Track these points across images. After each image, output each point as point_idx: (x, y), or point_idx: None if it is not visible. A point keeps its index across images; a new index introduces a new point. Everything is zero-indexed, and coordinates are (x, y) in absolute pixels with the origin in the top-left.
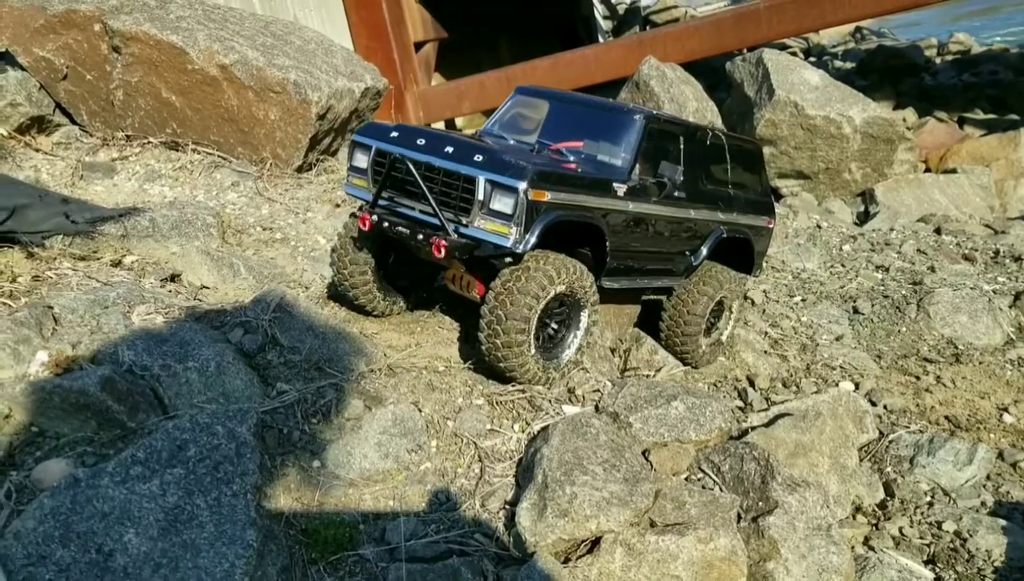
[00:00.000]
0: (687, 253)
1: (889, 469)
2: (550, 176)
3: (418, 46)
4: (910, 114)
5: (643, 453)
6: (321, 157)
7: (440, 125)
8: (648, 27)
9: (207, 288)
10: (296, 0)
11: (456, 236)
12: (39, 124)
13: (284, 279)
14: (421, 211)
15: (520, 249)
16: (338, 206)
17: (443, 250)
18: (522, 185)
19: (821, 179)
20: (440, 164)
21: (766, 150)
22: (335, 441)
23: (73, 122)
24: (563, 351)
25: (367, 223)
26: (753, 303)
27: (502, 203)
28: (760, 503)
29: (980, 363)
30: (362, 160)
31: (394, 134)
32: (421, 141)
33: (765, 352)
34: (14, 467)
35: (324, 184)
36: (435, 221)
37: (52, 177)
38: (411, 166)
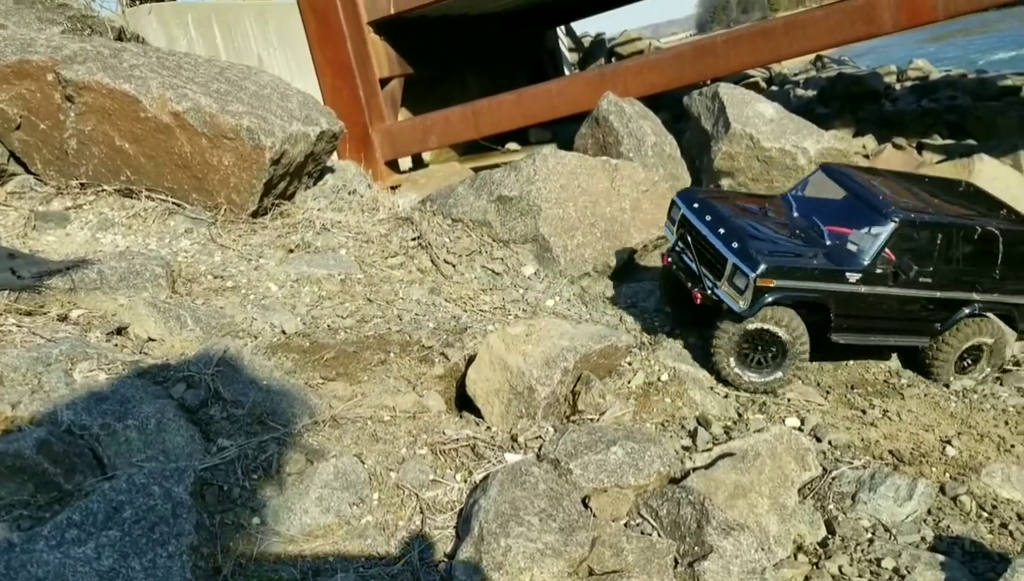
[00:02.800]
0: (934, 322)
1: (831, 506)
2: (779, 269)
3: (384, 82)
4: (870, 141)
5: (583, 500)
6: (276, 201)
7: (407, 160)
8: (613, 58)
9: (153, 340)
10: (260, 40)
11: (709, 292)
12: None
13: (233, 329)
14: (696, 265)
15: (744, 314)
16: (291, 251)
17: (698, 299)
18: (752, 274)
19: None
20: (711, 240)
21: (724, 182)
22: (276, 497)
23: (28, 171)
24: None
25: (664, 262)
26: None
27: (740, 281)
28: (696, 548)
29: (926, 395)
30: (675, 214)
31: (696, 205)
32: (708, 217)
33: (713, 389)
34: None
35: (279, 229)
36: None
37: (4, 228)
38: (690, 236)
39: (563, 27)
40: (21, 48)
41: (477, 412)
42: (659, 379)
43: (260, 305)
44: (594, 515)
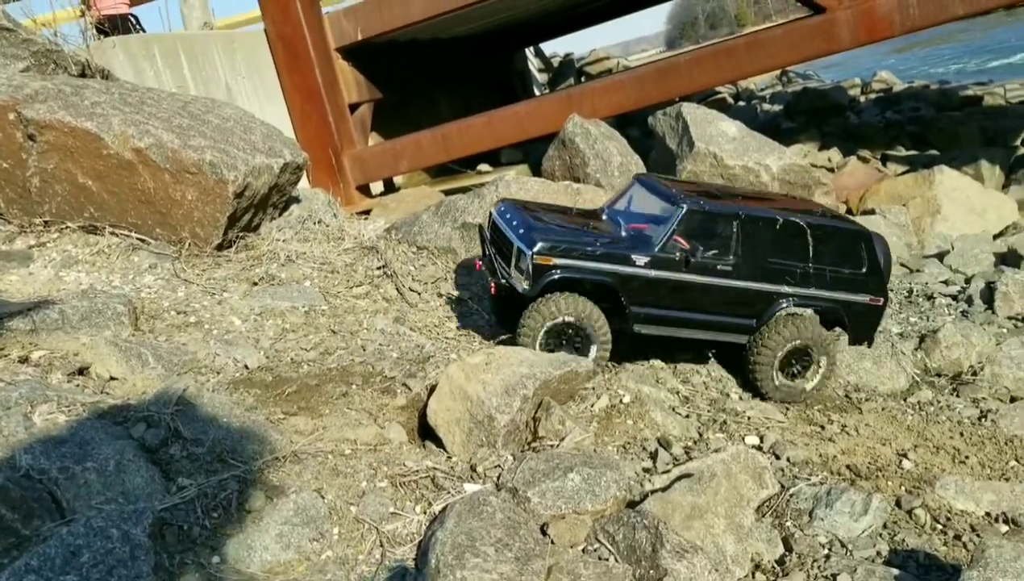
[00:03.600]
0: (747, 316)
1: (789, 524)
2: (557, 249)
3: (353, 108)
4: (835, 154)
5: (542, 527)
6: (241, 234)
7: (379, 185)
8: (583, 78)
9: (115, 380)
10: (229, 69)
11: (503, 281)
12: None
13: (195, 365)
14: (495, 258)
15: (527, 294)
16: (255, 284)
17: (493, 289)
18: (530, 252)
19: None
20: (505, 232)
21: None
22: (236, 535)
23: None
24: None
25: (477, 266)
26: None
27: (523, 262)
28: (651, 572)
29: (883, 409)
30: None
31: (504, 210)
32: (510, 217)
33: (675, 410)
34: None
35: (243, 262)
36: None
37: None
38: (493, 235)
39: (532, 48)
40: None
41: (439, 442)
42: (621, 401)
43: (223, 340)
44: (552, 542)
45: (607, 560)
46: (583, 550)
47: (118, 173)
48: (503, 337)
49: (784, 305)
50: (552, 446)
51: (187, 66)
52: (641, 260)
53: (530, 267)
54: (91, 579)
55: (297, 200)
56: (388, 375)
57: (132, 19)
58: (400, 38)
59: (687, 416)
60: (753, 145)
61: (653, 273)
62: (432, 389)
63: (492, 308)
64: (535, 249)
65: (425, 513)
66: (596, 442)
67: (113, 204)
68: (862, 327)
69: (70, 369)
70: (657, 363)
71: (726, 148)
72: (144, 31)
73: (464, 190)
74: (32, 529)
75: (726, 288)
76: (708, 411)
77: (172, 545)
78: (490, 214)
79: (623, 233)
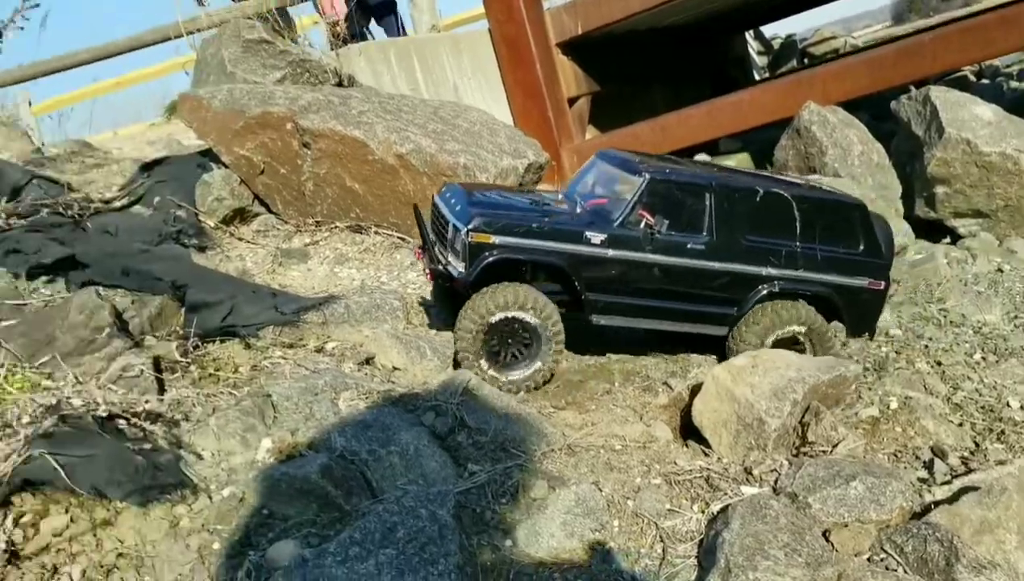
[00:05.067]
0: (726, 304)
1: None
2: (495, 224)
3: (571, 102)
4: None
5: (823, 534)
6: None
7: None
8: (805, 59)
9: (398, 370)
10: (456, 69)
11: (441, 268)
12: (240, 215)
13: None
14: (435, 243)
15: (463, 279)
16: None
17: (429, 275)
18: (464, 228)
19: (1001, 217)
20: (444, 211)
21: (939, 189)
22: (523, 521)
23: (269, 211)
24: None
25: (416, 254)
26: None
27: (458, 242)
28: None
29: None
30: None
31: (448, 192)
32: (453, 199)
33: (947, 418)
34: (251, 547)
35: None
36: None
37: (255, 264)
38: (435, 219)
39: (752, 31)
40: (262, 101)
41: (704, 442)
42: (888, 408)
43: None
44: (835, 550)
45: (895, 571)
46: (868, 559)
47: (381, 177)
48: None
49: (767, 290)
50: (823, 452)
51: (419, 68)
52: (597, 238)
53: (466, 246)
54: (407, 553)
55: None
56: (649, 374)
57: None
58: (617, 30)
59: (960, 424)
60: (1012, 130)
61: (611, 253)
62: (694, 390)
63: (440, 300)
64: (471, 224)
65: (703, 512)
66: (865, 450)
67: (376, 205)
68: (861, 315)
69: (359, 359)
70: (923, 367)
71: (981, 134)
72: (372, 35)
73: None
74: (352, 505)
75: (698, 270)
76: (983, 420)
77: (468, 527)
78: (432, 198)
79: (578, 209)
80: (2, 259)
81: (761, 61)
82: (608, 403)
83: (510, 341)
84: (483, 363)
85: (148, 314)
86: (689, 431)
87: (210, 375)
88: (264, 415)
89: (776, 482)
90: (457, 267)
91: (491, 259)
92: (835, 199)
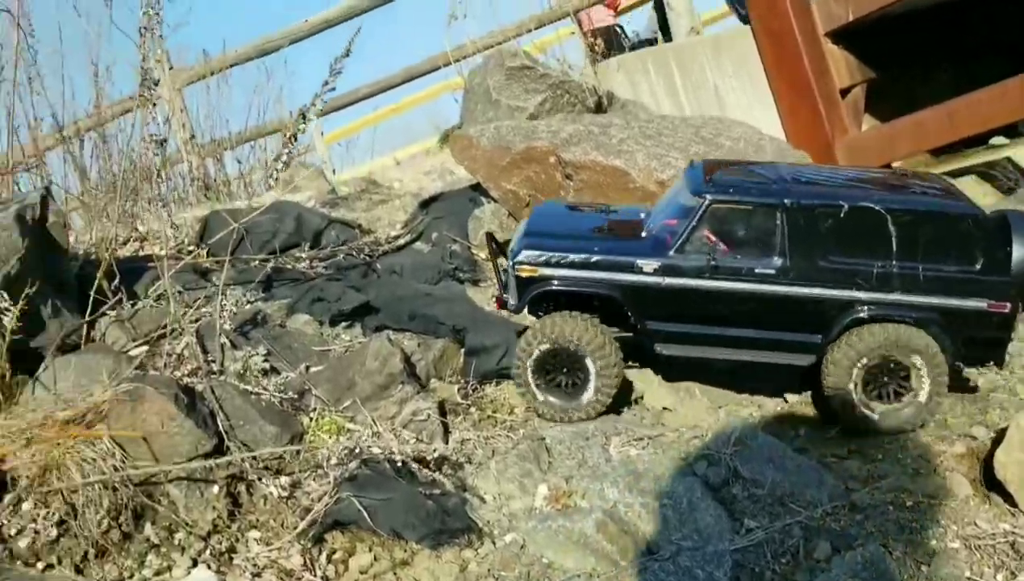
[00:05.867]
0: (809, 332)
1: None
2: (541, 257)
3: (844, 92)
4: None
5: None
6: None
7: None
8: None
9: (668, 410)
10: (716, 71)
11: (503, 295)
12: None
13: (736, 399)
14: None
15: (513, 310)
16: None
17: (497, 305)
18: (509, 262)
19: None
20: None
21: None
22: None
23: None
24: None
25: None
26: None
27: (509, 274)
28: None
29: None
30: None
31: (537, 208)
32: (535, 216)
33: None
34: None
35: None
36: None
37: None
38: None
39: None
40: (526, 136)
41: (1009, 498)
42: None
43: None
44: None
45: None
46: None
47: (642, 203)
48: None
49: (852, 316)
50: None
51: (677, 74)
52: (650, 266)
53: (512, 279)
54: None
55: None
56: (946, 419)
57: (618, 29)
58: (894, 10)
59: None
60: None
61: (666, 281)
62: (997, 438)
63: None
64: (517, 258)
65: None
66: None
67: None
68: (981, 343)
69: (628, 398)
70: None
71: None
72: (628, 39)
73: (978, 169)
74: (628, 561)
75: (766, 296)
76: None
77: None
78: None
79: (644, 233)
80: (309, 307)
81: None
82: (896, 452)
83: (565, 370)
84: (536, 392)
85: (432, 357)
86: (991, 484)
87: (488, 417)
88: (539, 459)
89: None
90: (510, 298)
91: (536, 292)
92: (942, 209)
